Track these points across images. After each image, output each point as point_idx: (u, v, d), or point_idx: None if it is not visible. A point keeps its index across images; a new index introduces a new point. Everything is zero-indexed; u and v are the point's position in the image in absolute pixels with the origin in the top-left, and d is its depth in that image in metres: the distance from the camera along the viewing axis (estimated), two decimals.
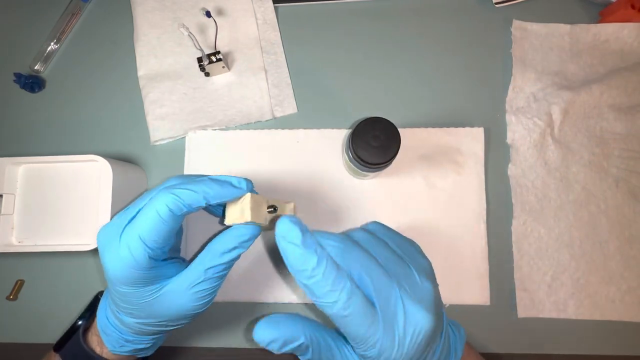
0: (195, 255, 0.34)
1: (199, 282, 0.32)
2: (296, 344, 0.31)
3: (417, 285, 0.32)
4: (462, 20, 0.49)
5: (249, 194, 0.33)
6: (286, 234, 0.28)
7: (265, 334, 0.30)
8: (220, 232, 0.34)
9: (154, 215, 0.29)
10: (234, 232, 0.33)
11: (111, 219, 0.39)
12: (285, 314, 0.32)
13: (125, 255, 0.29)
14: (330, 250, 0.30)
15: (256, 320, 0.44)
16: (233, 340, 0.44)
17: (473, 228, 0.44)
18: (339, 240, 0.31)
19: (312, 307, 0.44)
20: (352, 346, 0.31)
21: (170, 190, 0.30)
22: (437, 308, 0.32)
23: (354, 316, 0.29)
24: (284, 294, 0.44)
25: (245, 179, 0.33)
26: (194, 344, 0.45)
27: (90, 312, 0.38)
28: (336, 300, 0.28)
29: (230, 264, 0.33)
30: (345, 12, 0.50)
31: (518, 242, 0.44)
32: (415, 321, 0.30)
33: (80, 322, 0.36)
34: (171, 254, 0.34)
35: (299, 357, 0.32)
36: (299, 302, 0.44)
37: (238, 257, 0.33)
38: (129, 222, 0.30)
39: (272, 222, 0.35)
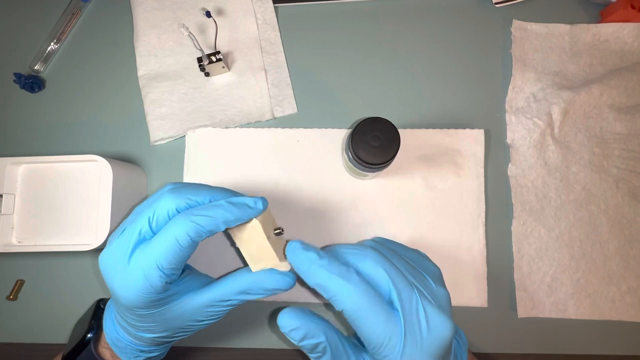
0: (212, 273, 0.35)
1: (213, 306, 0.33)
2: (316, 340, 0.31)
3: (434, 292, 0.32)
4: (462, 20, 0.49)
5: (255, 219, 0.33)
6: (292, 250, 0.32)
7: (290, 321, 0.31)
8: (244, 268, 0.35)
9: (173, 243, 0.29)
10: (263, 281, 0.34)
11: (111, 222, 0.39)
12: (310, 311, 0.33)
13: (140, 282, 0.29)
14: (348, 256, 0.32)
15: (258, 320, 0.44)
16: (236, 340, 0.44)
17: (472, 230, 0.44)
18: (354, 246, 0.33)
19: (322, 307, 0.44)
20: (370, 356, 0.31)
21: (190, 218, 0.30)
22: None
23: (368, 311, 0.29)
24: (288, 294, 0.44)
25: (262, 198, 0.33)
26: (200, 345, 0.45)
27: (96, 322, 0.37)
28: (348, 290, 0.29)
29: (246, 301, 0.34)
30: (345, 12, 0.50)
31: (518, 242, 0.44)
32: (437, 326, 0.30)
33: (89, 335, 0.36)
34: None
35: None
36: (304, 301, 0.44)
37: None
38: (137, 245, 0.30)
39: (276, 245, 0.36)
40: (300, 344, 0.31)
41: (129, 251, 0.30)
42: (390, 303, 0.30)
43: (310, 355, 0.32)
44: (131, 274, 0.30)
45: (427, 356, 0.29)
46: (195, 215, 0.30)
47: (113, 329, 0.35)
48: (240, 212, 0.31)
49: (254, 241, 0.34)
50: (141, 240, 0.31)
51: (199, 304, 0.33)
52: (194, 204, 0.31)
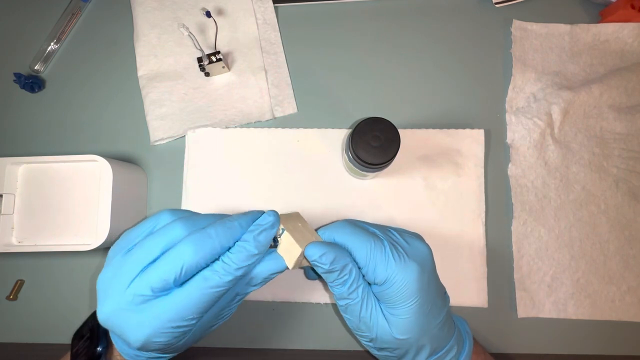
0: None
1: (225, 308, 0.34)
2: (344, 262, 0.33)
3: (404, 234, 0.37)
4: (462, 20, 0.49)
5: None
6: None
7: (318, 249, 0.33)
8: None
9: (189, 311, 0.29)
10: (258, 271, 0.33)
11: (111, 222, 0.39)
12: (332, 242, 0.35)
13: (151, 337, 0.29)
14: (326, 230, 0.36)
15: (258, 320, 0.44)
16: (236, 340, 0.44)
17: (472, 230, 0.44)
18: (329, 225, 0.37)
19: (322, 307, 0.44)
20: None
21: (212, 289, 0.29)
22: (432, 264, 0.36)
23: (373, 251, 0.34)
24: (288, 294, 0.44)
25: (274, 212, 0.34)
26: (202, 345, 0.44)
27: (103, 335, 0.36)
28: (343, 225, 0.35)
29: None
30: (345, 12, 0.50)
31: (518, 242, 0.44)
32: (413, 242, 0.35)
33: (100, 349, 0.35)
34: None
35: (337, 288, 0.34)
36: (305, 301, 0.44)
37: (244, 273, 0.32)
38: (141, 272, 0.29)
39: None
40: (331, 266, 0.33)
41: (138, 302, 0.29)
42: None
43: (337, 280, 0.33)
44: (142, 328, 0.29)
45: (412, 262, 0.33)
46: (218, 287, 0.30)
47: (119, 340, 0.34)
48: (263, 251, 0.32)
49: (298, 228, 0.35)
50: (147, 266, 0.30)
51: (208, 317, 0.32)
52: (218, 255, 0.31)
